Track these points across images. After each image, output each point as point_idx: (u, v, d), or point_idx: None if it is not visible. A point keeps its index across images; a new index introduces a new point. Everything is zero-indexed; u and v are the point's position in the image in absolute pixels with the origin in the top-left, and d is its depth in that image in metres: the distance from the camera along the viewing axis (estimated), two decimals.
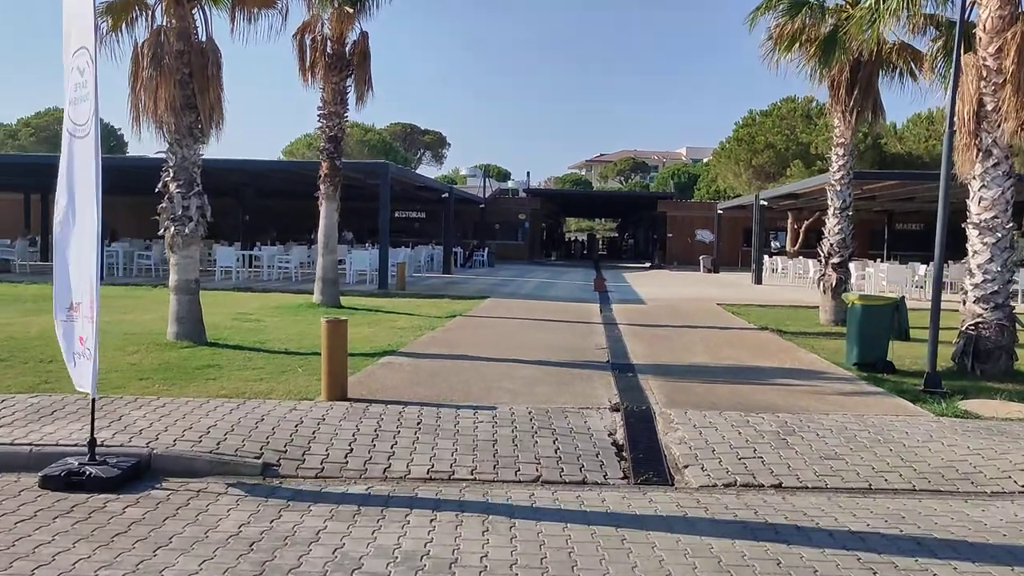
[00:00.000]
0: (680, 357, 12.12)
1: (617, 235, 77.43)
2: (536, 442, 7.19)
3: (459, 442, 7.12)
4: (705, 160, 74.37)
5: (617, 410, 8.27)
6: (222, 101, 11.74)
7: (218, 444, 6.76)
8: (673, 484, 6.48)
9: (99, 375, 9.71)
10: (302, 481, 6.31)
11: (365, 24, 17.54)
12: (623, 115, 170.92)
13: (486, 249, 40.93)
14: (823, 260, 16.98)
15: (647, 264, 46.36)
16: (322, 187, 17.68)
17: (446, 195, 33.94)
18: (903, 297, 10.97)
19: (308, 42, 17.00)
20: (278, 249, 26.80)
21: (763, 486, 6.41)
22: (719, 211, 40.92)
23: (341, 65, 17.25)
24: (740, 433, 7.56)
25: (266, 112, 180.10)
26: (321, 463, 6.58)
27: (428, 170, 74.10)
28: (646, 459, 6.94)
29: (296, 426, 7.33)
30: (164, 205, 11.71)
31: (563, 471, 6.59)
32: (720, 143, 46.24)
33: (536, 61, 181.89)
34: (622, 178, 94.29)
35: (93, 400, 6.33)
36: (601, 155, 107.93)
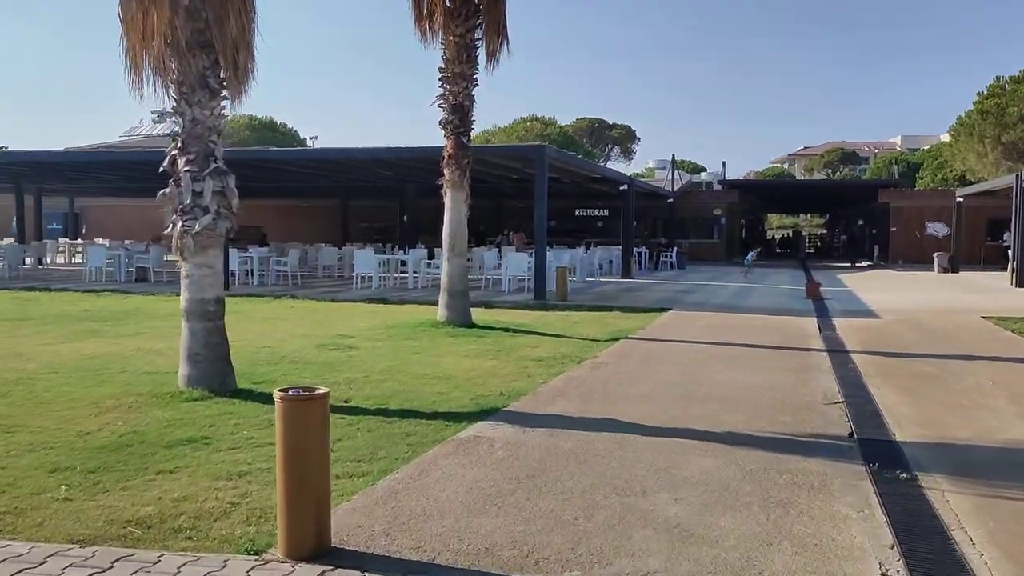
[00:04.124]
0: (977, 424, 7.08)
1: (826, 231, 69.38)
2: None
3: None
4: (926, 147, 65.16)
5: None
6: (249, 35, 7.99)
7: None
8: None
9: (9, 458, 6.18)
10: None
11: None
12: (828, 105, 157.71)
13: (675, 249, 35.92)
14: None
15: (865, 263, 39.47)
16: (446, 172, 13.63)
17: (625, 187, 29.30)
18: None
19: None
20: (423, 253, 23.27)
21: None
22: (958, 199, 33.63)
23: (467, 11, 13.18)
24: None
25: None
26: None
27: (616, 166, 69.10)
28: None
29: None
30: (168, 190, 8.06)
31: None
32: (958, 118, 38.68)
33: (730, 51, 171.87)
34: (829, 171, 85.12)
35: None
36: (805, 148, 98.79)
